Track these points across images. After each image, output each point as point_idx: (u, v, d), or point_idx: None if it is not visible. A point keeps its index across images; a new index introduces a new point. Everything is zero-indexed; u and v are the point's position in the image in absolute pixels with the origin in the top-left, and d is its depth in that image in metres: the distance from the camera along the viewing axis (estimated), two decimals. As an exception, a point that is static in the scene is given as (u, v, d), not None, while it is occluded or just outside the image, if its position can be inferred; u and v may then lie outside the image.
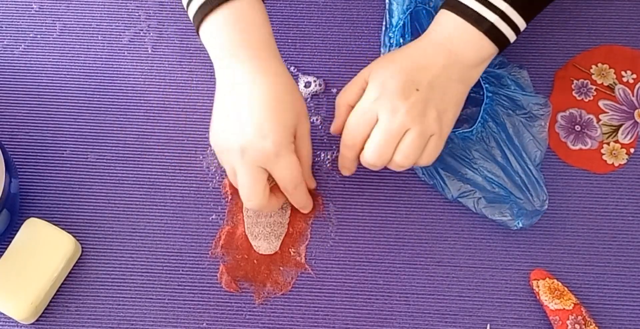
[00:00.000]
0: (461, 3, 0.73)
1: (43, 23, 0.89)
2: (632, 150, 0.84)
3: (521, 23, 0.74)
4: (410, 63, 0.74)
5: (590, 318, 0.77)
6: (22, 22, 0.89)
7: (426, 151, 0.74)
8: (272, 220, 0.80)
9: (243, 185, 0.73)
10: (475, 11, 0.73)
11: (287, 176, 0.73)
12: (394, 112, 0.72)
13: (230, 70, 0.73)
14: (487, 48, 0.74)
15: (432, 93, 0.73)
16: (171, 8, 0.89)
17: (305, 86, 0.86)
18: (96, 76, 0.87)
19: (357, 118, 0.74)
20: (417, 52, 0.75)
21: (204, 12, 0.73)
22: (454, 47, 0.74)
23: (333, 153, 0.84)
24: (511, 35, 0.74)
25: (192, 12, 0.74)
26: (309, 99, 0.86)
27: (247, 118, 0.71)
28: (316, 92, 0.86)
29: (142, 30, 0.89)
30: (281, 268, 0.79)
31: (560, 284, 0.78)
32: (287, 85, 0.73)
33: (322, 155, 0.84)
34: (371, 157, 0.73)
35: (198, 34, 0.75)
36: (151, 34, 0.88)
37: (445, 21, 0.75)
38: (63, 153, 0.84)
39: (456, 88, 0.74)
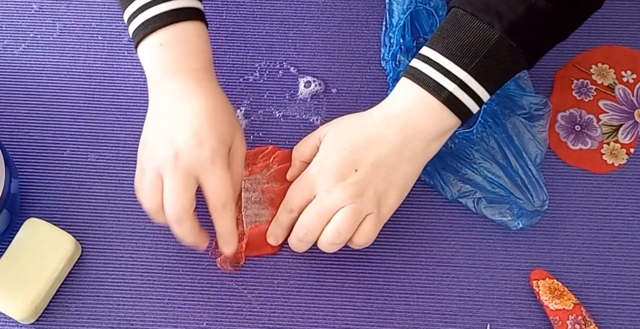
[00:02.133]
0: (421, 72, 0.72)
1: (43, 23, 0.89)
2: (632, 150, 0.84)
3: (482, 92, 0.71)
4: (361, 138, 0.72)
5: (590, 318, 0.77)
6: (22, 22, 0.89)
7: (361, 229, 0.72)
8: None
9: (169, 190, 0.70)
10: (434, 80, 0.71)
11: (219, 188, 0.70)
12: (328, 191, 0.72)
13: (167, 89, 0.73)
14: (446, 119, 0.72)
15: (373, 175, 0.72)
16: (171, 8, 0.89)
17: (305, 86, 0.86)
18: (96, 76, 0.87)
19: (298, 189, 0.75)
20: (371, 125, 0.73)
21: (145, 31, 0.73)
22: (413, 120, 0.72)
23: (333, 153, 0.84)
24: (472, 105, 0.71)
25: (132, 28, 0.74)
26: (309, 99, 0.86)
27: (184, 127, 0.70)
28: (316, 92, 0.86)
29: (142, 30, 0.88)
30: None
31: (560, 284, 0.78)
32: (224, 105, 0.74)
33: (322, 155, 0.84)
34: (298, 230, 0.73)
35: (136, 50, 0.75)
36: (151, 34, 0.88)
37: (405, 91, 0.73)
38: (63, 153, 0.84)
39: (405, 169, 0.73)
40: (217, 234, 0.74)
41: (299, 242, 0.75)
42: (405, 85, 0.73)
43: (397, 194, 0.73)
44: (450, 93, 0.70)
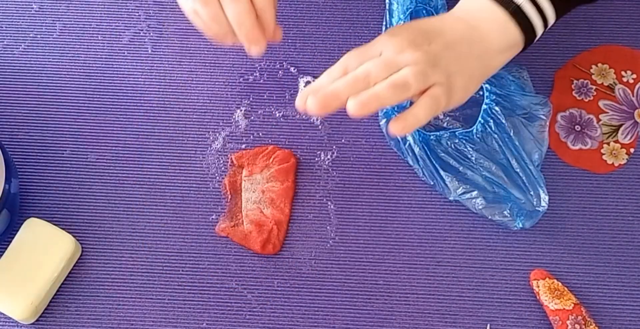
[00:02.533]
0: None
1: (43, 23, 0.89)
2: (632, 150, 0.84)
3: (550, 12, 0.70)
4: (430, 25, 0.69)
5: (590, 318, 0.77)
6: (22, 22, 0.89)
7: (426, 94, 0.65)
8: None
9: (232, 9, 0.66)
10: None
11: None
12: (398, 51, 0.65)
13: None
14: (512, 32, 0.70)
15: (445, 53, 0.67)
16: (171, 8, 0.89)
17: (305, 86, 0.86)
18: (96, 76, 0.87)
19: (359, 52, 0.67)
20: (439, 22, 0.70)
21: None
22: (478, 25, 0.69)
23: (333, 153, 0.84)
24: (538, 22, 0.70)
25: None
26: (309, 99, 0.86)
27: None
28: (316, 92, 0.86)
29: (142, 30, 0.89)
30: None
31: (560, 284, 0.78)
32: None
33: (322, 155, 0.84)
34: (360, 72, 0.64)
35: None
36: (151, 34, 0.88)
37: (470, 1, 0.71)
38: (63, 153, 0.84)
39: (474, 63, 0.69)
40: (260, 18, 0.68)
41: (349, 86, 0.64)
42: None
43: (464, 83, 0.69)
44: (519, 5, 0.69)
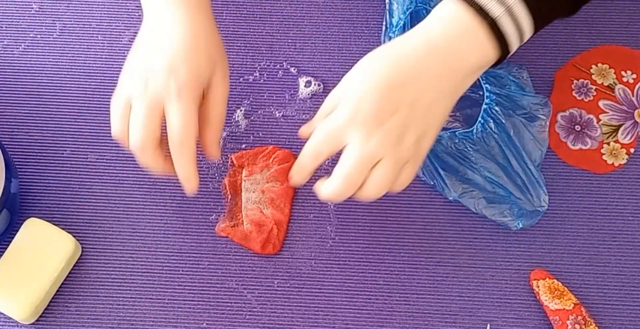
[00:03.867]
0: None
1: (43, 23, 0.89)
2: (632, 150, 0.84)
3: (528, 25, 0.67)
4: (395, 73, 0.65)
5: (590, 318, 0.77)
6: (22, 22, 0.89)
7: (399, 179, 0.68)
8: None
9: (136, 115, 0.68)
10: (480, 1, 0.65)
11: (176, 124, 0.67)
12: (366, 139, 0.65)
13: (156, 12, 0.71)
14: (487, 48, 0.66)
15: (412, 114, 0.65)
16: (171, 8, 0.89)
17: (305, 86, 0.86)
18: (96, 76, 0.87)
19: (325, 136, 0.67)
20: (406, 57, 0.66)
21: None
22: (454, 48, 0.66)
23: (333, 153, 0.84)
24: (514, 39, 0.67)
25: None
26: (309, 99, 0.86)
27: (160, 55, 0.69)
28: (316, 92, 0.86)
29: (142, 30, 0.89)
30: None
31: (560, 284, 0.78)
32: (208, 37, 0.71)
33: (322, 155, 0.84)
34: (337, 186, 0.66)
35: None
36: (151, 34, 0.88)
37: (445, 10, 0.67)
38: (63, 153, 0.84)
39: (443, 105, 0.67)
40: (177, 173, 0.71)
41: (338, 196, 0.68)
42: (445, 5, 0.66)
43: (433, 135, 0.68)
44: (497, 18, 0.65)
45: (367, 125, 0.65)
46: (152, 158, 0.70)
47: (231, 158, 0.83)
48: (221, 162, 0.83)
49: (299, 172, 0.71)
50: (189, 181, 0.71)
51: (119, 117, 0.71)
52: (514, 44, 0.67)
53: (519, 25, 0.66)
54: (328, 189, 0.67)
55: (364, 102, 0.65)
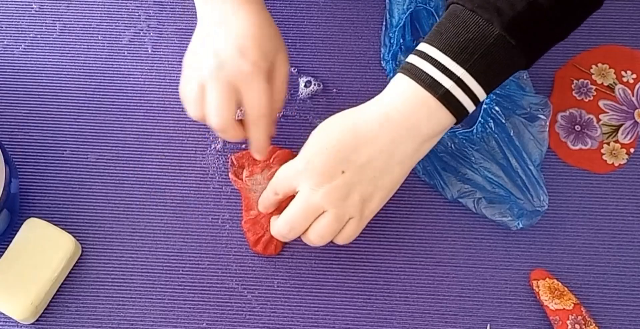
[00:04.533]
0: (417, 68, 0.69)
1: (43, 23, 0.89)
2: (632, 150, 0.84)
3: (479, 91, 0.69)
4: (350, 137, 0.70)
5: (590, 318, 0.77)
6: (22, 22, 0.89)
7: (343, 232, 0.71)
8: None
9: (212, 100, 0.72)
10: (431, 76, 0.68)
11: (256, 100, 0.72)
12: (313, 190, 0.70)
13: (218, 5, 0.74)
14: (442, 118, 0.69)
15: (360, 177, 0.70)
16: (171, 8, 0.89)
17: (305, 86, 0.86)
18: (96, 76, 0.87)
19: (285, 176, 0.72)
20: (362, 124, 0.70)
21: None
22: (406, 118, 0.69)
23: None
24: (468, 104, 0.69)
25: None
26: (308, 99, 0.86)
27: (229, 41, 0.72)
28: (316, 92, 0.86)
29: (142, 30, 0.89)
30: None
31: (560, 284, 0.78)
32: (269, 25, 0.75)
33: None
34: (282, 227, 0.72)
35: None
36: (151, 34, 0.88)
37: (400, 87, 0.70)
38: (63, 153, 0.84)
39: (393, 172, 0.70)
40: (249, 142, 0.76)
41: (282, 237, 0.73)
42: (400, 80, 0.70)
43: (382, 197, 0.71)
44: (447, 90, 0.68)
45: (316, 178, 0.70)
46: (233, 134, 0.75)
47: (231, 159, 0.83)
48: (221, 162, 0.83)
49: (262, 203, 0.77)
50: (262, 151, 0.78)
51: (196, 101, 0.74)
52: (470, 108, 0.70)
53: (470, 92, 0.69)
54: (274, 228, 0.73)
55: (317, 158, 0.70)
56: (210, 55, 0.72)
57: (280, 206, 0.75)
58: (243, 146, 0.84)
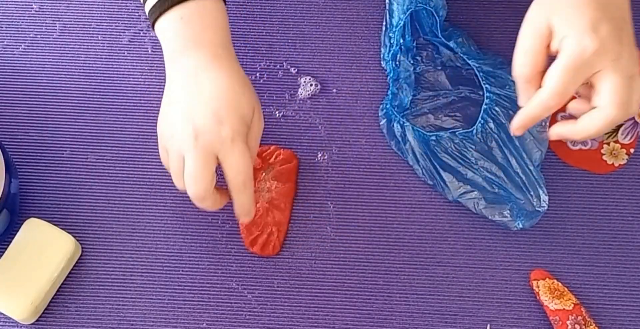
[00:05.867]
0: None
1: (43, 23, 0.89)
2: (632, 150, 0.84)
3: None
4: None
5: (590, 318, 0.77)
6: (22, 22, 0.89)
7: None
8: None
9: (191, 170, 0.69)
10: None
11: (240, 167, 0.69)
12: (616, 60, 0.64)
13: (186, 65, 0.71)
14: None
15: (627, 24, 0.65)
16: (171, 8, 0.89)
17: (305, 86, 0.86)
18: (96, 76, 0.87)
19: (574, 74, 0.64)
20: None
21: (163, 7, 0.71)
22: None
23: (333, 153, 0.84)
24: None
25: (149, 5, 0.72)
26: (308, 99, 0.86)
27: (203, 106, 0.69)
28: (316, 92, 0.86)
29: (142, 30, 0.89)
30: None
31: (560, 284, 0.78)
32: (243, 83, 0.72)
33: (322, 155, 0.84)
34: (615, 112, 0.64)
35: (153, 28, 0.73)
36: (151, 34, 0.88)
37: None
38: (63, 153, 0.84)
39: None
40: (235, 206, 0.73)
41: (613, 122, 0.65)
42: None
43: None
44: None
45: (614, 47, 0.64)
46: (212, 203, 0.72)
47: None
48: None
49: (531, 119, 0.68)
50: (249, 214, 0.74)
51: (178, 174, 0.71)
52: None
53: None
54: (606, 117, 0.65)
55: (602, 26, 0.64)
56: (185, 124, 0.69)
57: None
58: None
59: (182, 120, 0.70)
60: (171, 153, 0.71)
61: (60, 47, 0.88)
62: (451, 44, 0.84)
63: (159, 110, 0.85)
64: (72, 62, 0.87)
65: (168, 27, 0.72)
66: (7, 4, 0.90)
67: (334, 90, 0.86)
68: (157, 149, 0.84)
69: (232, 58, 0.73)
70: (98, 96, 0.86)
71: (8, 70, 0.87)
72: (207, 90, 0.70)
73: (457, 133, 0.81)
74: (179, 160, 0.70)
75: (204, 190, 0.70)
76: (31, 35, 0.88)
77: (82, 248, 0.80)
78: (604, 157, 0.83)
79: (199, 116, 0.69)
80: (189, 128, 0.69)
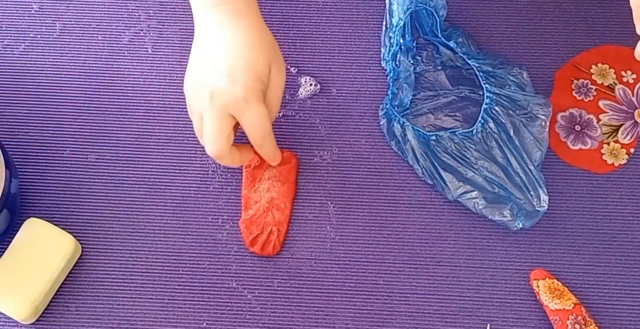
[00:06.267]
0: None
1: (43, 23, 0.89)
2: (632, 150, 0.84)
3: None
4: None
5: (590, 318, 0.77)
6: (22, 22, 0.89)
7: None
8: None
9: (208, 130, 0.72)
10: None
11: (256, 124, 0.72)
12: None
13: (205, 21, 0.73)
14: None
15: None
16: (171, 8, 0.89)
17: (305, 86, 0.86)
18: (96, 76, 0.87)
19: None
20: None
21: None
22: None
23: (333, 153, 0.84)
24: None
25: None
26: (308, 99, 0.86)
27: (219, 64, 0.71)
28: (316, 92, 0.86)
29: (142, 30, 0.89)
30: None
31: (560, 284, 0.78)
32: (259, 36, 0.73)
33: (321, 155, 0.84)
34: None
35: None
36: (151, 34, 0.88)
37: None
38: (63, 153, 0.84)
39: None
40: (260, 155, 0.77)
41: None
42: None
43: None
44: None
45: None
46: (230, 161, 0.75)
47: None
48: (218, 164, 0.83)
49: None
50: (274, 161, 0.79)
51: (200, 132, 0.74)
52: None
53: None
54: None
55: None
56: (202, 89, 0.72)
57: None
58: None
59: (201, 81, 0.72)
60: (192, 113, 0.74)
61: (60, 47, 0.88)
62: (451, 43, 0.84)
63: (159, 110, 0.86)
64: (72, 62, 0.87)
65: None
66: (7, 4, 0.90)
67: (334, 90, 0.86)
68: (157, 149, 0.84)
69: (252, 13, 0.74)
70: (98, 96, 0.86)
71: (8, 70, 0.87)
72: (221, 49, 0.72)
73: (457, 133, 0.81)
74: (199, 119, 0.73)
75: (220, 149, 0.72)
76: (31, 35, 0.88)
77: (82, 248, 0.80)
78: (604, 157, 0.83)
79: (215, 77, 0.71)
80: (206, 88, 0.71)
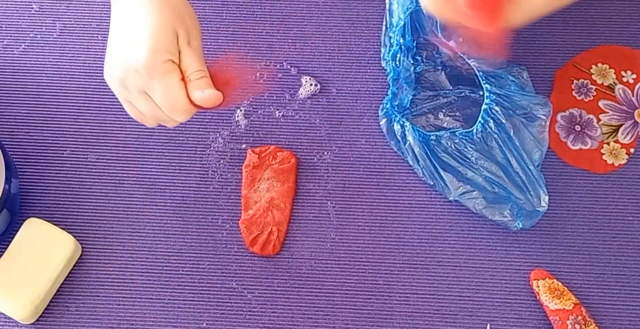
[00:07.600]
0: None
1: (43, 23, 0.89)
2: (632, 150, 0.84)
3: None
4: None
5: (590, 318, 0.77)
6: (22, 22, 0.89)
7: None
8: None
9: (133, 114, 0.72)
10: None
11: (164, 100, 0.68)
12: None
13: (116, 5, 0.72)
14: None
15: None
16: (171, 8, 0.89)
17: (305, 86, 0.86)
18: (96, 76, 0.87)
19: None
20: None
21: None
22: None
23: (333, 153, 0.84)
24: None
25: None
26: (308, 99, 0.86)
27: (120, 48, 0.70)
28: (315, 92, 0.86)
29: (142, 30, 0.88)
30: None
31: (560, 284, 0.78)
32: (160, 11, 0.70)
33: (322, 155, 0.84)
34: None
35: None
36: (151, 34, 0.88)
37: None
38: (63, 153, 0.84)
39: None
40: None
41: None
42: None
43: None
44: None
45: None
46: (171, 124, 0.73)
47: (249, 151, 0.82)
48: (221, 161, 0.83)
49: None
50: (217, 99, 0.70)
51: (134, 114, 0.73)
52: None
53: None
54: None
55: None
56: (114, 79, 0.71)
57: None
58: (243, 146, 0.84)
59: (110, 74, 0.71)
60: (123, 102, 0.72)
61: (60, 47, 0.88)
62: (451, 43, 0.84)
63: (159, 110, 0.85)
64: (72, 62, 0.87)
65: None
66: (7, 4, 0.90)
67: (334, 90, 0.86)
68: (157, 149, 0.84)
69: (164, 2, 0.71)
70: (98, 96, 0.86)
71: (8, 70, 0.87)
72: (123, 30, 0.71)
73: (457, 133, 0.81)
74: (128, 104, 0.72)
75: (153, 120, 0.72)
76: (31, 35, 0.88)
77: (82, 248, 0.80)
78: (604, 157, 0.83)
79: (119, 61, 0.70)
80: (116, 80, 0.70)
